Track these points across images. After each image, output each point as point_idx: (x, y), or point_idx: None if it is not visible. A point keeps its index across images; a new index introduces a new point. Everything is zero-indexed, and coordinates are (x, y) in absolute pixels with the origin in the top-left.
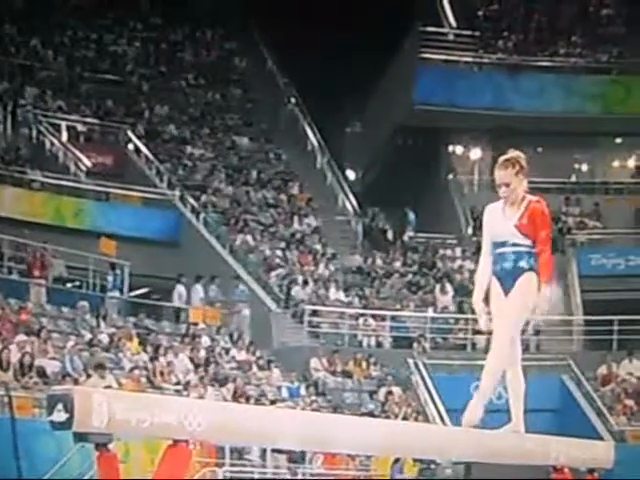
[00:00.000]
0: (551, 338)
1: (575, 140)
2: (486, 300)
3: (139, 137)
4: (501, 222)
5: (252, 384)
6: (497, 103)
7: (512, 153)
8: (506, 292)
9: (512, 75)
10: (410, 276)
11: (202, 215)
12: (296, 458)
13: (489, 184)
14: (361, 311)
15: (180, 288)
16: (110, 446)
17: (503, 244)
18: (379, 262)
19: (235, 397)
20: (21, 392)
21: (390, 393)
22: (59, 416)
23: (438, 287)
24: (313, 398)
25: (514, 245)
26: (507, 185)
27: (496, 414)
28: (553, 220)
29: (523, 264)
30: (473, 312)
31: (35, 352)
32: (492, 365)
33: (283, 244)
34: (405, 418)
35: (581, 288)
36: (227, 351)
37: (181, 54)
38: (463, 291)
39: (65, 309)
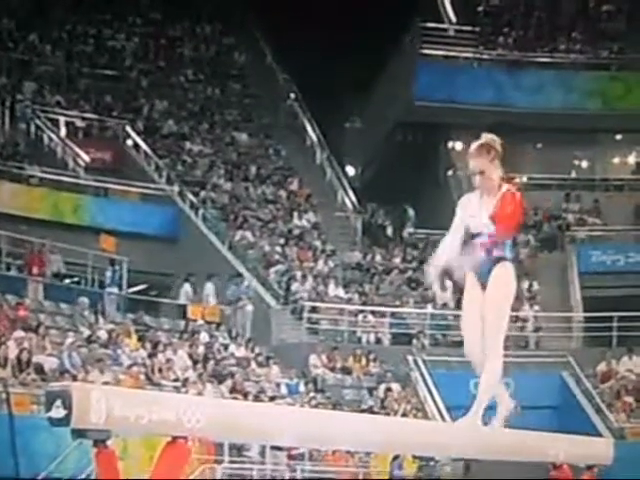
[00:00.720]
0: (551, 335)
1: (575, 136)
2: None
3: (138, 132)
4: (477, 214)
5: (251, 381)
6: (497, 99)
7: (486, 138)
8: (481, 283)
9: (512, 71)
10: (410, 272)
11: (201, 211)
12: (296, 455)
13: None
14: (360, 307)
15: (187, 287)
16: (108, 442)
17: (478, 235)
18: (378, 258)
19: (233, 393)
20: (19, 388)
21: (389, 390)
22: (57, 412)
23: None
24: (312, 395)
25: (489, 236)
26: (482, 173)
27: (493, 411)
28: (553, 217)
29: (498, 253)
30: None
31: (33, 348)
32: (491, 367)
33: (282, 240)
34: (404, 415)
35: (581, 285)
36: (226, 347)
37: (180, 49)
38: (463, 288)
39: (63, 305)
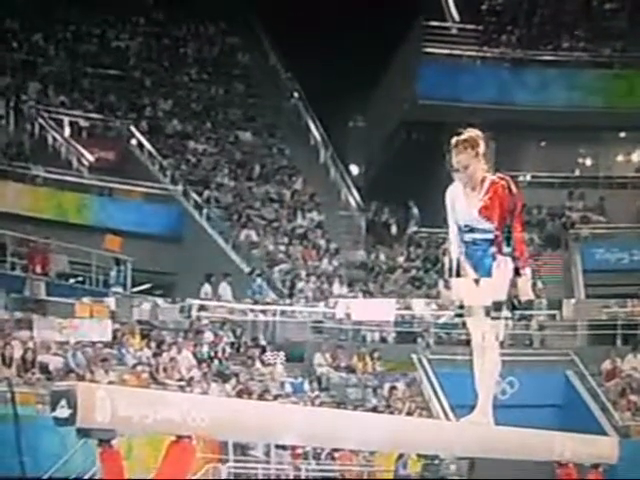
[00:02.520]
0: (555, 334)
1: (579, 134)
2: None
3: (142, 132)
4: (465, 208)
5: (255, 379)
6: (500, 97)
7: (469, 133)
8: (477, 279)
9: (515, 69)
10: (414, 271)
11: (205, 210)
12: (301, 454)
13: None
14: None
15: (207, 287)
16: (113, 442)
17: (471, 230)
18: (382, 257)
19: (238, 393)
20: (24, 388)
21: (394, 388)
22: (62, 412)
23: (442, 282)
24: (316, 393)
25: (482, 231)
26: (466, 168)
27: (500, 410)
28: (556, 215)
29: (494, 249)
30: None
31: (38, 348)
32: (490, 359)
33: (286, 239)
34: (409, 414)
35: (585, 283)
36: (231, 346)
37: (184, 49)
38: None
39: None
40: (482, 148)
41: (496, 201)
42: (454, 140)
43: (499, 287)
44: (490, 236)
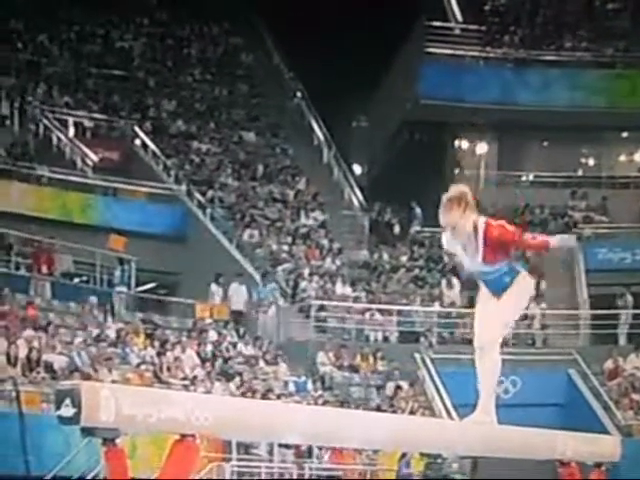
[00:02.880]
0: (558, 333)
1: (581, 134)
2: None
3: (146, 132)
4: (466, 256)
5: (259, 379)
6: (503, 97)
7: (455, 191)
8: (496, 296)
9: (518, 69)
10: (417, 270)
11: (209, 210)
12: (303, 453)
13: (495, 179)
14: (368, 306)
15: (214, 286)
16: (118, 441)
17: (479, 273)
18: (385, 256)
19: (242, 392)
20: (29, 387)
21: (399, 388)
22: (67, 411)
23: (444, 281)
24: (320, 392)
25: (492, 272)
26: (453, 228)
27: (502, 409)
28: (559, 215)
29: (507, 279)
30: None
31: (43, 347)
32: (491, 357)
33: (290, 239)
34: (412, 413)
35: (587, 282)
36: (234, 346)
37: (187, 49)
38: (470, 285)
39: (72, 304)
40: (469, 203)
41: (496, 246)
42: (443, 199)
43: (516, 303)
44: (502, 269)
